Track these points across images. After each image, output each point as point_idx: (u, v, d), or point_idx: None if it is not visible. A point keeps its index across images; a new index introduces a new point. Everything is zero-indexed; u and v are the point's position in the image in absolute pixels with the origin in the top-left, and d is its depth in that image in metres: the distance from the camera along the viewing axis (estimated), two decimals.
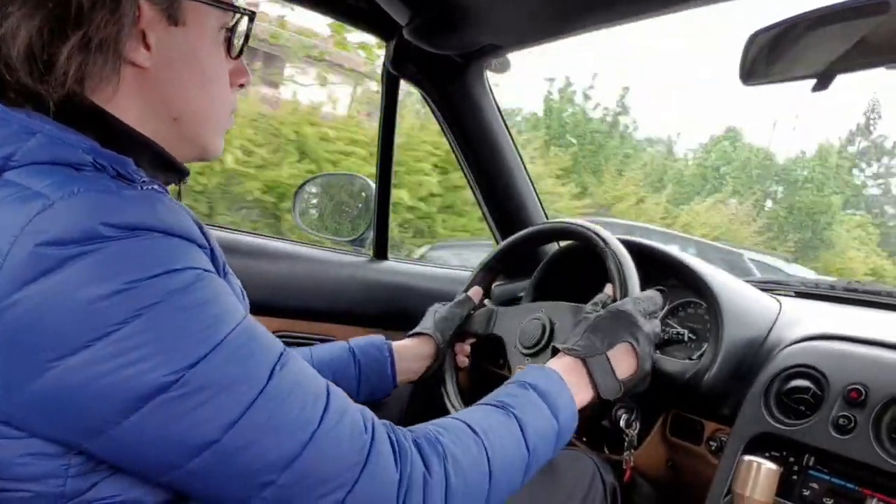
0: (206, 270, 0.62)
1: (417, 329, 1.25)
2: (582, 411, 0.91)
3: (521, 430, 0.80)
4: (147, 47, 0.68)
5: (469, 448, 0.74)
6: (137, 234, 0.57)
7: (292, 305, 1.53)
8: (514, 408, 0.82)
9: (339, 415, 0.66)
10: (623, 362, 0.96)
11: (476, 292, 1.31)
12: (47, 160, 0.60)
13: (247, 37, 0.79)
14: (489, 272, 1.35)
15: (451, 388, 1.20)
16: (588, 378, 0.94)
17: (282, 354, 0.65)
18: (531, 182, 1.75)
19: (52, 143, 0.62)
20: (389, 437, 0.69)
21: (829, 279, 1.57)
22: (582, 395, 0.93)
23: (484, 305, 1.31)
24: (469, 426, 0.76)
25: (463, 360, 1.28)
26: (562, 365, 0.94)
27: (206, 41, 0.74)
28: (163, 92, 0.71)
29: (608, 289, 1.08)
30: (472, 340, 1.30)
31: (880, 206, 29.02)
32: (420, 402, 1.56)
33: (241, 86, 0.82)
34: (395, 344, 1.18)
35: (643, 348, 0.97)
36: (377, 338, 1.18)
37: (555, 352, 0.99)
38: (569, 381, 0.90)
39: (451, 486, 0.70)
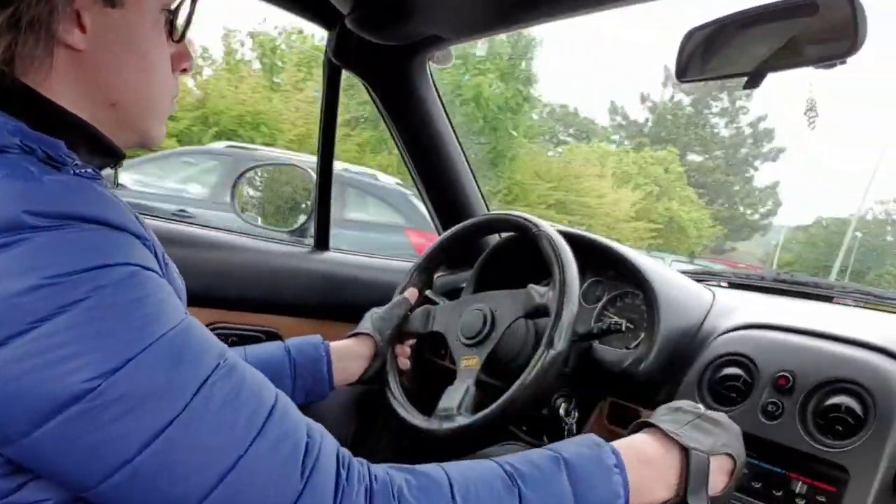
0: (142, 267, 0.58)
1: (356, 330, 1.22)
2: None
3: None
4: (82, 29, 0.65)
5: None
6: (66, 225, 0.54)
7: (231, 296, 1.50)
8: (523, 482, 0.68)
9: (275, 441, 0.59)
10: (718, 475, 0.79)
11: (412, 293, 1.29)
12: None
13: (189, 19, 0.76)
14: (422, 273, 1.34)
15: (395, 388, 1.18)
16: (675, 475, 0.76)
17: (217, 367, 0.59)
18: (473, 174, 1.76)
19: None
20: (337, 474, 0.61)
21: (760, 272, 1.63)
22: (658, 491, 0.75)
23: (422, 304, 1.31)
24: (451, 488, 0.65)
25: (404, 362, 1.26)
26: (640, 450, 0.76)
27: (146, 23, 0.70)
28: (99, 76, 0.67)
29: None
30: (411, 341, 1.29)
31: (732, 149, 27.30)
32: (364, 407, 1.54)
33: (184, 70, 0.78)
34: (333, 344, 1.15)
35: (738, 472, 0.81)
36: (314, 337, 1.14)
37: (637, 424, 0.83)
38: (636, 472, 0.73)
39: None
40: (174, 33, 0.74)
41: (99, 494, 0.55)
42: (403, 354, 1.26)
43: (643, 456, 0.76)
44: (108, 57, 0.67)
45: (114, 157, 0.73)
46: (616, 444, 0.75)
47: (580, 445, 0.74)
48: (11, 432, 0.53)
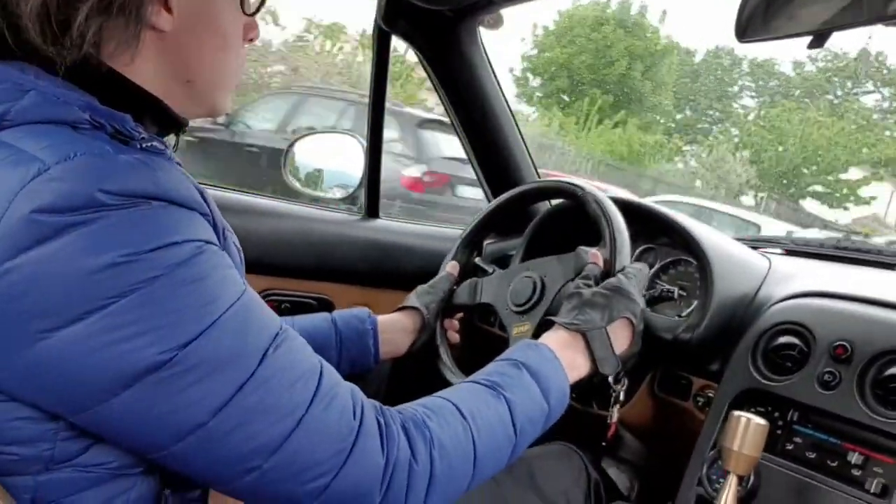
0: (206, 242, 0.60)
1: (402, 304, 1.22)
2: (575, 385, 0.90)
3: (510, 412, 0.78)
4: (168, 10, 0.66)
5: (456, 433, 0.72)
6: (137, 204, 0.56)
7: (282, 264, 1.52)
8: (504, 389, 0.80)
9: (329, 399, 0.64)
10: (620, 337, 0.95)
11: (453, 267, 1.28)
12: (42, 119, 0.58)
13: None
14: (466, 246, 1.33)
15: (447, 360, 1.18)
16: (586, 352, 0.92)
17: (276, 334, 0.63)
18: (523, 140, 1.74)
19: (46, 101, 0.59)
20: (378, 421, 0.67)
21: (820, 237, 1.58)
22: (578, 370, 0.91)
23: (471, 272, 1.30)
24: (457, 409, 0.75)
25: (454, 336, 1.25)
26: (557, 340, 0.92)
27: (225, 1, 0.72)
28: (181, 56, 0.69)
29: (596, 258, 1.05)
30: (459, 315, 1.28)
31: None
32: (400, 381, 1.55)
33: (251, 40, 0.79)
34: (380, 318, 1.15)
35: (639, 324, 0.97)
36: (361, 310, 1.15)
37: (548, 325, 0.97)
38: (564, 357, 0.88)
39: (435, 473, 0.69)
40: (247, 7, 0.74)
41: (170, 456, 0.59)
42: (452, 328, 1.26)
43: (561, 344, 0.91)
44: (190, 37, 0.69)
45: (178, 126, 0.74)
46: (540, 340, 0.91)
47: (524, 349, 0.88)
48: (86, 401, 0.55)
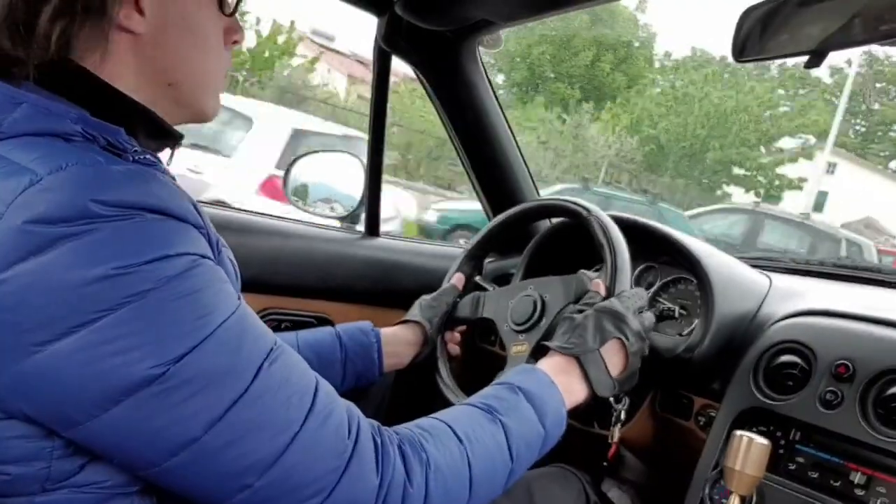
0: (201, 256, 0.60)
1: (405, 318, 1.23)
2: (573, 409, 0.90)
3: (507, 437, 0.78)
4: (140, 12, 0.65)
5: (452, 456, 0.72)
6: (131, 215, 0.55)
7: (283, 283, 1.52)
8: (500, 413, 0.80)
9: (325, 416, 0.64)
10: (614, 359, 0.95)
11: (458, 279, 1.29)
12: (34, 131, 0.59)
13: None
14: (471, 259, 1.33)
15: (445, 374, 1.18)
16: (582, 376, 0.92)
17: (271, 350, 0.63)
18: (523, 159, 1.75)
19: (38, 112, 0.59)
20: (374, 440, 0.67)
21: (818, 256, 1.59)
22: (575, 394, 0.91)
23: (471, 290, 1.30)
24: (453, 431, 0.74)
25: (454, 349, 1.26)
26: (553, 365, 0.92)
27: (200, 1, 0.71)
28: (158, 58, 0.68)
29: (598, 287, 1.05)
30: (461, 328, 1.29)
31: None
32: (403, 391, 1.55)
33: (235, 43, 0.78)
34: (384, 330, 1.16)
35: (632, 344, 0.96)
36: (365, 323, 1.15)
37: (543, 350, 0.97)
38: (560, 382, 0.88)
39: (430, 495, 0.68)
40: (225, 7, 0.74)
41: (163, 472, 0.58)
42: (453, 341, 1.26)
43: (557, 369, 0.91)
44: (165, 38, 0.68)
45: (171, 139, 0.74)
46: (537, 366, 0.92)
47: (521, 373, 0.88)
48: (79, 416, 0.55)
